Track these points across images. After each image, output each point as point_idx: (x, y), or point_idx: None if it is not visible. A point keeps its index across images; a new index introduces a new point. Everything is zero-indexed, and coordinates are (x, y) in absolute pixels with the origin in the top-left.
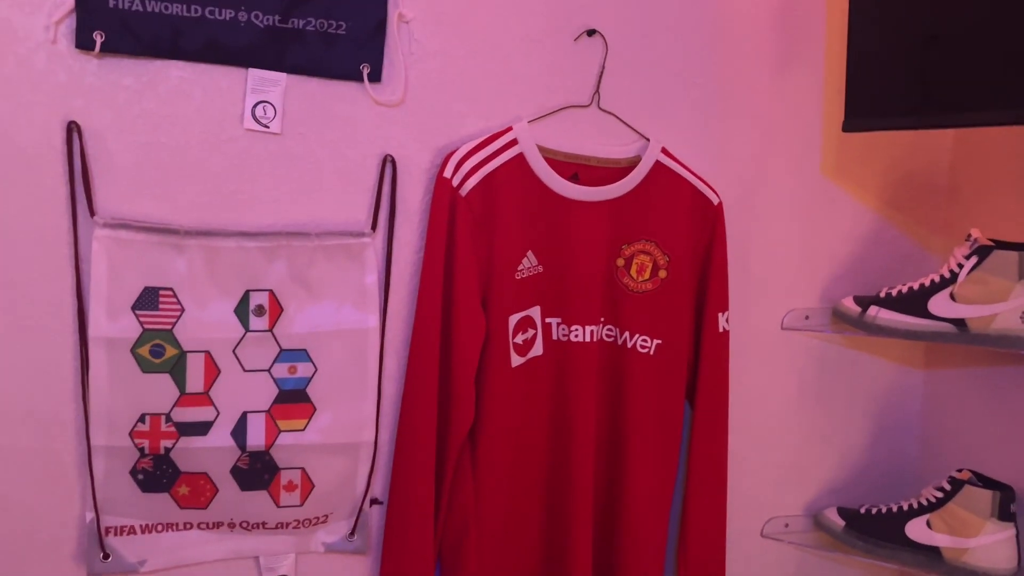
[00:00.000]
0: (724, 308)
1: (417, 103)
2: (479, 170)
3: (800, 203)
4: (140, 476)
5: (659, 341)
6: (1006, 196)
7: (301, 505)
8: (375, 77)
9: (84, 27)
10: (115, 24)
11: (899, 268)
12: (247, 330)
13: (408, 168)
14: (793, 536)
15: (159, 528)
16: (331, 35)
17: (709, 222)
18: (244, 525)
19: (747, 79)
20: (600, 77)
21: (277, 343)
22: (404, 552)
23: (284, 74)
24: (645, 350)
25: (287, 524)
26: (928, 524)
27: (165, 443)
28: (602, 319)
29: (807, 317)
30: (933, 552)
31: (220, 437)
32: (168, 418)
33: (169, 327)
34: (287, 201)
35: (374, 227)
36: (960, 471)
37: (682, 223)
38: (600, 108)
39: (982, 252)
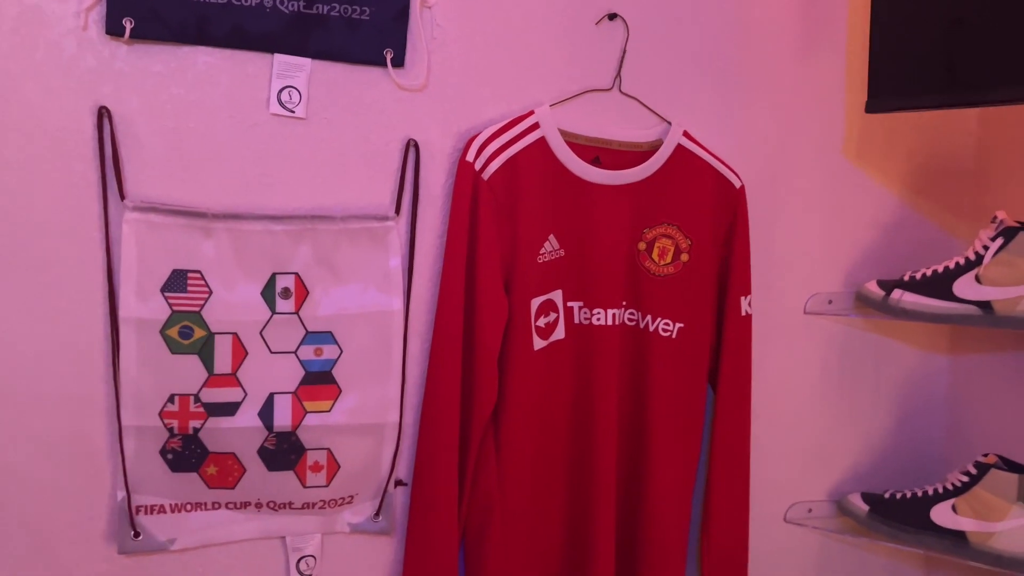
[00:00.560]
0: (747, 292)
1: (440, 88)
2: (501, 154)
3: (822, 187)
4: (169, 456)
5: (681, 325)
6: None
7: (327, 486)
8: (398, 62)
9: (114, 13)
10: (144, 10)
11: (923, 253)
12: (274, 312)
13: (431, 152)
14: (817, 521)
15: (188, 507)
16: (355, 20)
17: (731, 206)
18: (271, 505)
19: (769, 62)
20: (622, 61)
21: (303, 325)
22: (428, 533)
23: (309, 59)
24: (667, 334)
25: (313, 504)
26: (953, 508)
27: (194, 423)
28: (624, 303)
29: (830, 301)
30: (958, 536)
31: (248, 418)
32: (197, 399)
33: (197, 309)
34: (312, 185)
35: (398, 211)
36: (986, 455)
37: (704, 207)
38: (622, 92)
39: (1008, 233)
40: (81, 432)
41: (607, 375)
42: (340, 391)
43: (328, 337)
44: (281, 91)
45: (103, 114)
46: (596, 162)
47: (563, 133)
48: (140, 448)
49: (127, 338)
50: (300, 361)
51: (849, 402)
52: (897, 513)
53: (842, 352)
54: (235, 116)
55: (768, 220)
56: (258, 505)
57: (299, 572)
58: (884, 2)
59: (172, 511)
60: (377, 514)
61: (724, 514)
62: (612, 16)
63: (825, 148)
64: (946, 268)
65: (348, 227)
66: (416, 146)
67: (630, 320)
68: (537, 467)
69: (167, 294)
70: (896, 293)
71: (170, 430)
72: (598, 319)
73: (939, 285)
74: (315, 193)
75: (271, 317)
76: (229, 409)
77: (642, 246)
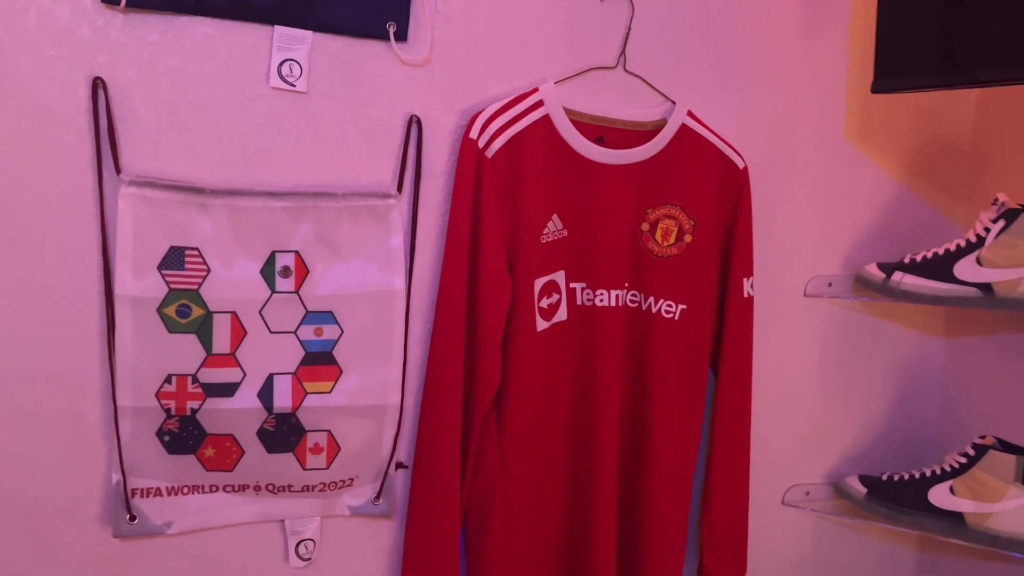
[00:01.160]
0: (749, 273)
1: (443, 63)
2: (505, 131)
3: (824, 169)
4: (166, 437)
5: (684, 306)
6: None
7: (327, 468)
8: (401, 36)
9: None
10: None
11: (921, 236)
12: (273, 291)
13: (434, 129)
14: (814, 503)
15: (185, 490)
16: None
17: (735, 186)
18: (270, 488)
19: (772, 43)
20: (626, 39)
21: (303, 305)
22: (429, 516)
23: (310, 32)
24: (670, 315)
25: (313, 487)
26: (951, 490)
27: (191, 404)
28: (626, 284)
29: (830, 284)
30: (956, 518)
31: (246, 398)
32: (195, 379)
33: (195, 287)
34: (312, 161)
35: (400, 188)
36: (983, 437)
37: (708, 187)
38: (626, 70)
39: (1010, 216)
40: (75, 413)
41: (609, 357)
42: (341, 372)
43: (329, 317)
44: (281, 64)
45: (98, 85)
46: (600, 141)
47: (567, 111)
48: (136, 429)
49: (123, 317)
50: (300, 341)
51: (846, 384)
52: (895, 495)
53: (840, 335)
54: (234, 89)
55: (769, 202)
56: (257, 488)
57: (298, 556)
58: None
59: (169, 494)
60: (378, 497)
61: (724, 496)
62: None
63: (827, 130)
64: (947, 250)
65: (349, 204)
66: (419, 122)
67: (632, 301)
68: (539, 450)
69: (164, 272)
70: (897, 275)
71: (167, 411)
72: (601, 300)
73: (940, 267)
74: (315, 169)
75: (271, 296)
76: (228, 390)
77: (645, 227)
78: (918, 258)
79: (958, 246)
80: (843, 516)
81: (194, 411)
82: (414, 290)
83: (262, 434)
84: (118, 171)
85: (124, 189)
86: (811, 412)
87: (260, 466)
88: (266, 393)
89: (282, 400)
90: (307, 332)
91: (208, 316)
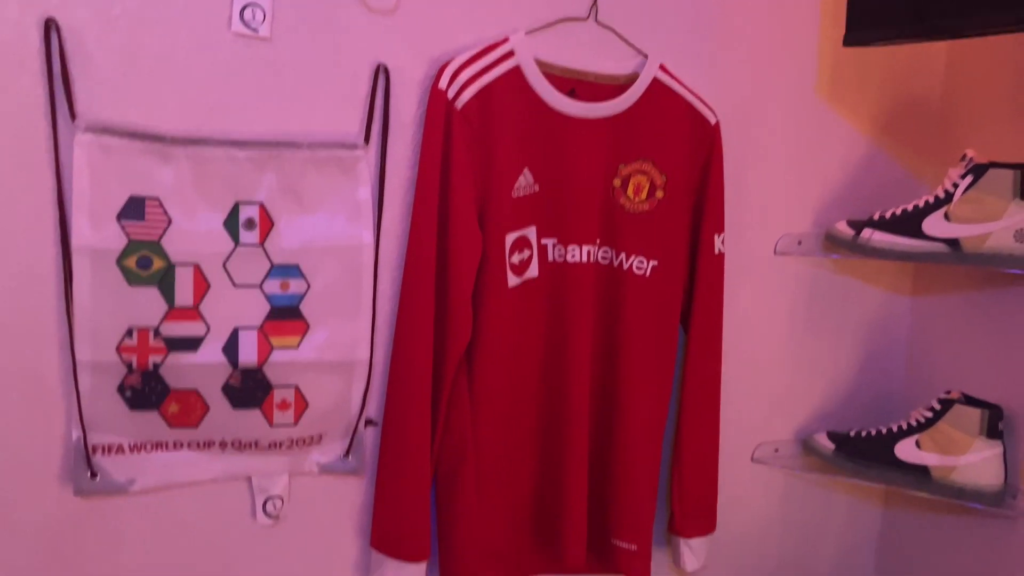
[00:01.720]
0: (720, 230)
1: (411, 11)
2: (475, 82)
3: (795, 126)
4: (128, 393)
5: (655, 262)
6: (998, 120)
7: (295, 424)
8: None
9: None
10: None
11: (890, 194)
12: (237, 244)
13: (402, 79)
14: (783, 460)
15: (148, 447)
16: None
17: (706, 142)
18: (236, 445)
19: None
20: None
21: (268, 258)
22: (399, 474)
23: None
24: (641, 271)
25: (280, 444)
26: (917, 444)
27: (154, 359)
28: (598, 240)
29: (800, 242)
30: (921, 471)
31: (211, 353)
32: (156, 332)
33: (156, 238)
34: (277, 110)
35: (367, 140)
36: (949, 392)
37: (679, 143)
38: (598, 22)
39: (977, 171)
40: (32, 368)
41: (581, 314)
42: (308, 327)
43: (295, 270)
44: (244, 8)
45: (50, 26)
46: (572, 94)
47: (539, 63)
48: (96, 385)
49: (81, 268)
50: (266, 295)
51: (816, 343)
52: (862, 450)
53: (810, 293)
54: (194, 34)
55: (740, 159)
56: (223, 445)
57: (266, 514)
58: None
59: (131, 451)
60: (347, 454)
61: (694, 453)
62: None
63: (799, 86)
64: (915, 207)
65: (315, 155)
66: (386, 71)
67: (604, 258)
68: (510, 407)
69: (123, 222)
70: (866, 232)
71: (128, 366)
72: (572, 256)
73: (908, 223)
74: (280, 119)
75: (234, 248)
76: (191, 344)
77: (617, 182)
78: (887, 215)
79: (927, 202)
80: (812, 472)
81: (156, 366)
82: (383, 244)
83: (227, 390)
84: (73, 117)
85: (80, 136)
86: (781, 370)
87: (226, 422)
88: (231, 348)
89: (248, 355)
90: (273, 286)
91: (170, 268)
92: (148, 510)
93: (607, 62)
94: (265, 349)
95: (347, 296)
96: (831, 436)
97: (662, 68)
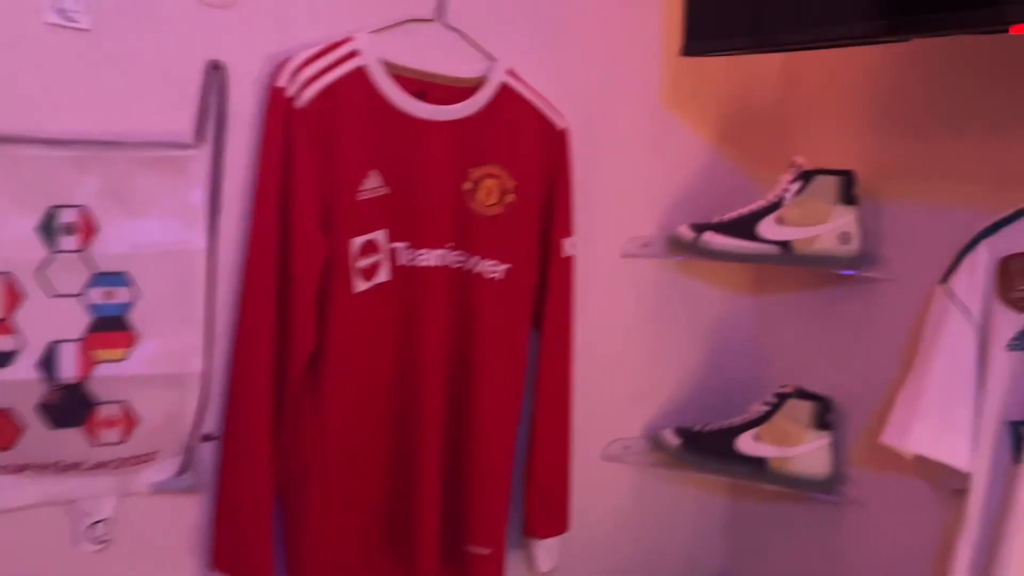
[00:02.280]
0: (569, 233)
1: (248, 5)
2: (316, 81)
3: (641, 132)
4: None
5: (507, 266)
6: (828, 127)
7: (123, 442)
8: None
9: None
10: None
11: (730, 198)
12: (54, 250)
13: (238, 76)
14: (633, 457)
15: None
16: None
17: (555, 147)
18: (57, 467)
19: (591, 3)
20: None
21: (91, 265)
22: (240, 490)
23: None
24: (493, 275)
25: (106, 464)
26: (755, 437)
27: None
28: (450, 243)
29: (646, 244)
30: (759, 463)
31: (24, 369)
32: None
33: None
34: (100, 107)
35: (200, 139)
36: (784, 386)
37: (529, 147)
38: (445, 24)
39: (806, 177)
40: None
41: (433, 318)
42: (137, 337)
43: (121, 278)
44: None
45: None
46: (420, 96)
47: (386, 64)
48: None
49: None
50: (88, 305)
51: (664, 342)
52: (706, 445)
53: (657, 294)
54: (1, 24)
55: (589, 164)
56: (42, 467)
57: (92, 539)
58: None
59: None
60: (182, 471)
61: (547, 455)
62: None
63: (643, 94)
64: (751, 211)
65: (143, 155)
66: (221, 68)
67: (456, 261)
68: (360, 416)
69: None
70: (706, 235)
71: None
72: (424, 260)
73: (744, 227)
74: (103, 116)
75: (51, 255)
76: (2, 360)
77: (468, 186)
78: (725, 219)
79: (761, 207)
80: (660, 467)
81: None
82: (220, 250)
83: (45, 408)
84: None
85: None
86: (630, 369)
87: (44, 444)
88: (48, 363)
89: (67, 370)
90: (96, 295)
91: None
92: None
93: (456, 64)
94: (87, 363)
95: (179, 305)
96: (678, 431)
97: (510, 72)
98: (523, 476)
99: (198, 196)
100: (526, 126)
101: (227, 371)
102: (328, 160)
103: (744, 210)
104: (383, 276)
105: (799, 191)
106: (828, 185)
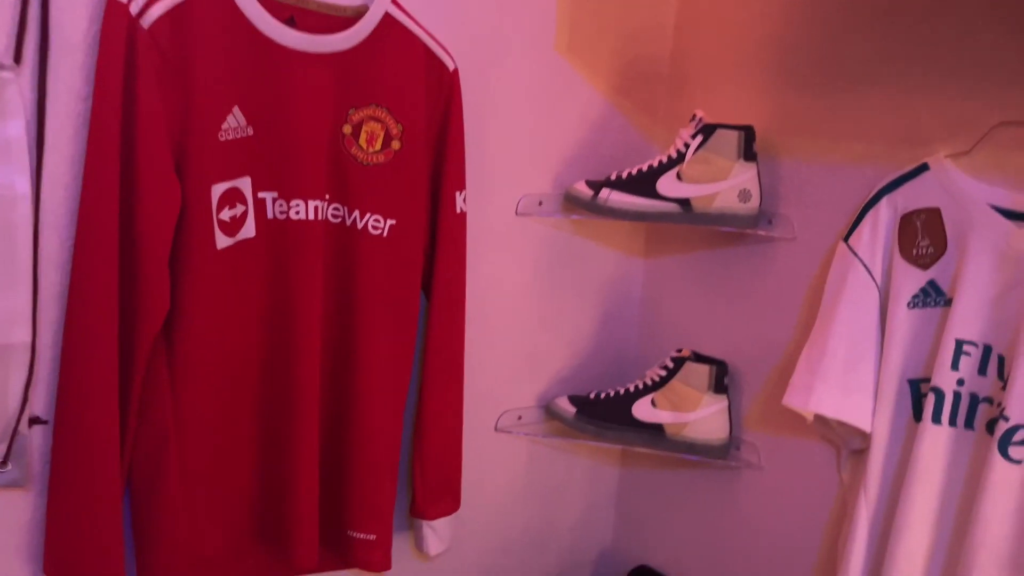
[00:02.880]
0: (461, 187)
1: None
2: None
3: (535, 80)
4: None
5: (393, 222)
6: (723, 85)
7: None
8: None
9: None
10: None
11: (624, 156)
12: None
13: None
14: (527, 427)
15: None
16: None
17: (445, 89)
18: None
19: None
20: None
21: None
22: (81, 482)
23: None
24: (377, 231)
25: None
26: (652, 403)
27: None
28: (327, 195)
29: (541, 203)
30: (657, 429)
31: None
32: None
33: None
34: None
35: (18, 60)
36: (680, 350)
37: (416, 88)
38: None
39: (707, 131)
40: None
41: (309, 280)
42: None
43: None
44: None
45: None
46: (291, 23)
47: None
48: None
49: None
50: None
51: (557, 306)
52: (602, 412)
53: (550, 256)
54: None
55: (480, 112)
56: None
57: None
58: None
59: None
60: (4, 462)
61: (437, 429)
62: None
63: (538, 39)
64: (651, 167)
65: None
66: None
67: (335, 216)
68: (223, 388)
69: None
70: (604, 192)
71: None
72: (297, 213)
73: (644, 183)
74: None
75: None
76: None
77: (347, 129)
78: (624, 175)
79: (660, 162)
80: (554, 437)
81: None
82: (47, 196)
83: None
84: None
85: None
86: (523, 335)
87: None
88: None
89: None
90: None
91: None
92: None
93: None
94: None
95: None
96: (572, 400)
97: (395, 2)
98: (410, 454)
99: (16, 129)
100: (413, 64)
101: (59, 342)
102: (181, 91)
103: (643, 166)
104: (249, 231)
105: (700, 145)
106: (729, 140)
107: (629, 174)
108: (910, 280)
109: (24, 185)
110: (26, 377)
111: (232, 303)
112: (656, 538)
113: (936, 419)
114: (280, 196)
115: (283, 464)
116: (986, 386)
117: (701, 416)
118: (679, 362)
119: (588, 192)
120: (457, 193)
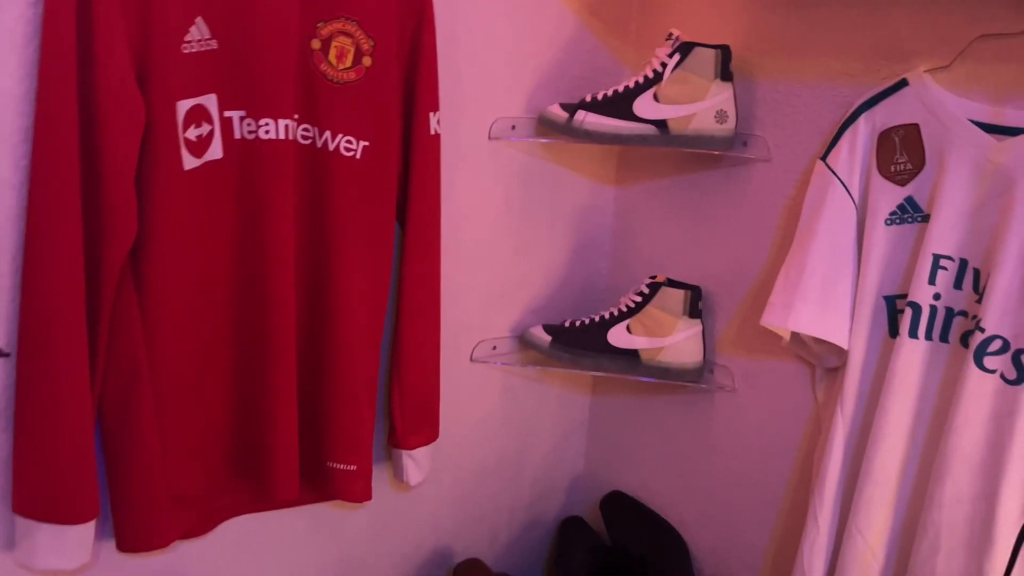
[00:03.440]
0: (435, 107)
1: None
2: None
3: None
4: None
5: (366, 143)
6: (695, 3)
7: None
8: None
9: None
10: None
11: (595, 78)
12: None
13: None
14: (502, 357)
15: None
16: None
17: (416, 3)
18: None
19: None
20: None
21: None
22: (48, 416)
23: None
24: (350, 153)
25: None
26: (628, 329)
27: None
28: (296, 115)
29: (514, 127)
30: (632, 355)
31: None
32: None
33: None
34: None
35: None
36: (655, 276)
37: (387, 1)
38: None
39: (684, 49)
40: None
41: (281, 204)
42: None
43: None
44: None
45: None
46: None
47: None
48: None
49: None
50: None
51: (530, 234)
52: (577, 340)
53: (523, 182)
54: None
55: (450, 30)
56: None
57: None
58: None
59: None
60: None
61: (416, 358)
62: None
63: None
64: (626, 88)
65: None
66: None
67: (305, 137)
68: (195, 316)
69: None
70: (580, 115)
71: None
72: (266, 133)
73: (620, 105)
74: None
75: None
76: None
77: (316, 44)
78: (599, 96)
79: (636, 83)
80: (530, 367)
81: None
82: None
83: None
84: None
85: None
86: (497, 263)
87: None
88: None
89: None
90: None
91: None
92: None
93: None
94: None
95: None
96: (547, 328)
97: None
98: (388, 383)
99: None
100: None
101: (19, 269)
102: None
103: (619, 87)
104: (216, 152)
105: (677, 64)
106: (706, 58)
107: (604, 96)
108: (887, 197)
109: None
110: None
111: (202, 228)
112: (628, 464)
113: (913, 333)
114: (248, 115)
115: (260, 395)
116: (961, 299)
117: (676, 341)
118: (655, 287)
119: (563, 115)
120: (431, 114)
